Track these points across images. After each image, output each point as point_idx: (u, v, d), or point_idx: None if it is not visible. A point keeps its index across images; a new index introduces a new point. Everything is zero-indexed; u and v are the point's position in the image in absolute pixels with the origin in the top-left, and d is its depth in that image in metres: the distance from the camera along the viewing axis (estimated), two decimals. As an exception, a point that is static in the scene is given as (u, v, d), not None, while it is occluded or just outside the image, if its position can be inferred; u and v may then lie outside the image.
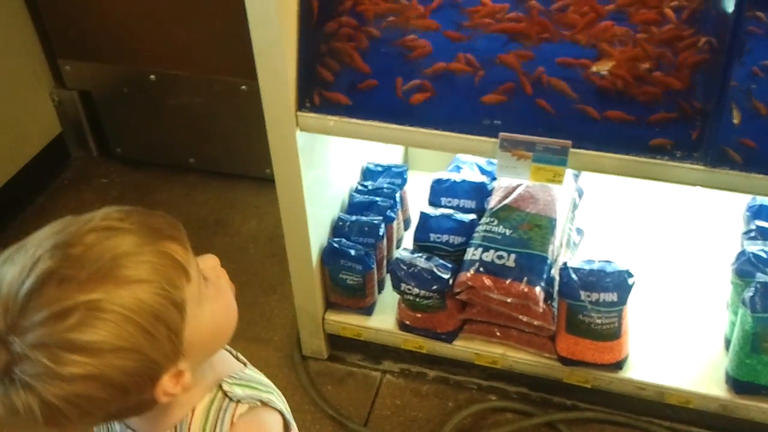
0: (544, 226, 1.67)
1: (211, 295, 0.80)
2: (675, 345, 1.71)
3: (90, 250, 0.70)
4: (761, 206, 1.74)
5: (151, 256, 0.72)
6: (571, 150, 1.32)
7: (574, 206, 1.85)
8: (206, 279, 0.80)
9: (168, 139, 2.50)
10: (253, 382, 0.88)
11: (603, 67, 1.31)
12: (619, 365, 1.65)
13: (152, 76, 2.33)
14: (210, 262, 0.84)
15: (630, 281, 1.58)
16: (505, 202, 1.72)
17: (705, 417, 1.68)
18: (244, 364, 0.92)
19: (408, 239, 1.97)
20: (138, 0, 2.19)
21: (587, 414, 1.77)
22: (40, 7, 2.32)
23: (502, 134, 1.34)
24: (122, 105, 2.45)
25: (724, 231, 1.91)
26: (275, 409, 0.87)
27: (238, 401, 0.83)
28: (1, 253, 0.73)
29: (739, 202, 1.83)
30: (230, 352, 0.94)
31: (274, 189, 1.63)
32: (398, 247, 1.95)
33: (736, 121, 1.26)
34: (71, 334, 0.67)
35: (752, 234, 1.68)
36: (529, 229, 1.66)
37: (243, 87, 2.26)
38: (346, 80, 1.43)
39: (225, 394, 0.84)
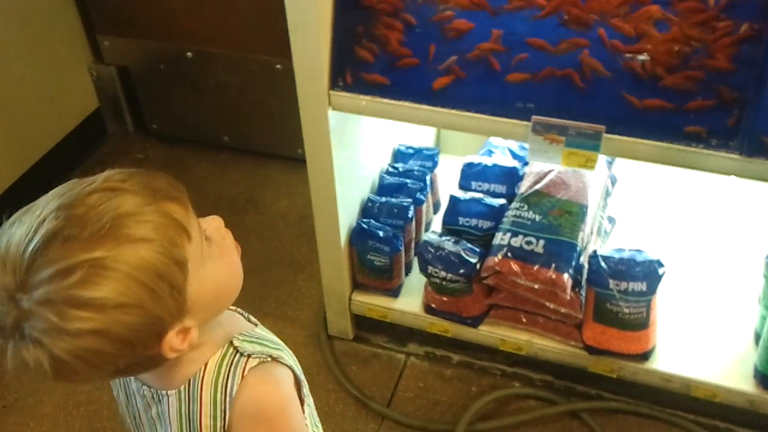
0: (575, 213, 1.65)
1: (215, 255, 0.81)
2: (703, 337, 1.69)
3: (92, 210, 0.71)
4: (798, 200, 1.70)
5: (152, 215, 0.73)
6: (605, 135, 1.30)
7: (607, 194, 1.83)
8: (209, 239, 0.82)
9: (203, 117, 2.53)
10: (264, 339, 0.89)
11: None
12: (645, 356, 1.64)
13: (189, 54, 2.36)
14: (214, 223, 0.86)
15: (660, 271, 1.56)
16: (536, 187, 1.71)
17: (731, 411, 1.65)
18: (255, 325, 0.94)
19: (437, 222, 1.96)
20: (176, -23, 2.21)
21: (611, 404, 1.75)
22: (81, -18, 2.35)
23: (534, 117, 1.33)
24: (159, 81, 2.48)
25: (759, 222, 1.88)
26: (285, 365, 0.88)
27: (249, 356, 0.85)
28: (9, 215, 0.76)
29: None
30: (241, 314, 0.97)
31: (305, 169, 1.64)
32: (427, 230, 1.95)
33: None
34: (76, 291, 0.69)
35: (787, 228, 1.65)
36: (559, 216, 1.64)
37: (278, 66, 2.27)
38: (383, 60, 1.43)
39: (236, 349, 0.86)
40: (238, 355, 0.85)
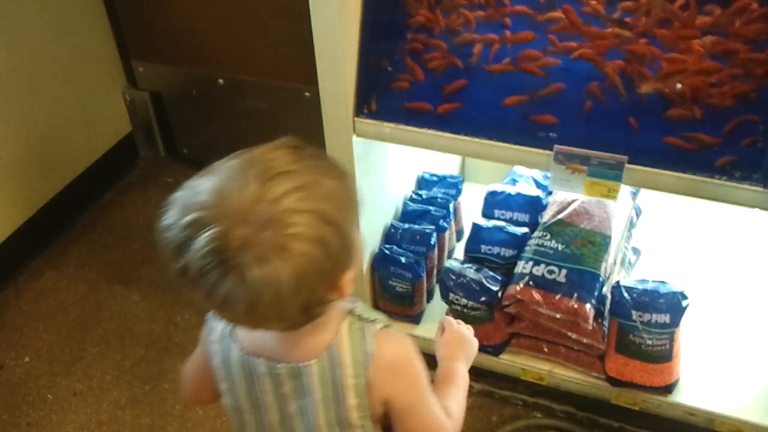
0: (598, 243, 1.65)
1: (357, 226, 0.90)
2: (727, 370, 1.66)
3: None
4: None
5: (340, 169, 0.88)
6: (627, 165, 1.31)
7: (631, 225, 1.82)
8: None
9: (232, 143, 2.51)
10: (373, 311, 0.98)
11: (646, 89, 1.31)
12: (668, 389, 1.62)
13: (220, 80, 2.40)
14: None
15: (684, 303, 1.55)
16: (559, 216, 1.71)
17: (757, 448, 1.63)
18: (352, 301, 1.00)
19: (460, 250, 1.97)
20: (209, 6, 2.26)
21: (635, 437, 1.73)
22: (118, 10, 2.42)
23: (556, 147, 1.34)
24: (190, 107, 2.53)
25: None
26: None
27: (372, 321, 0.95)
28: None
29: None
30: None
31: None
32: (450, 257, 1.96)
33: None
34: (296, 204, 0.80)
35: (815, 261, 1.63)
36: (582, 245, 1.64)
37: (306, 93, 2.31)
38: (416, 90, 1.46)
39: (358, 317, 0.95)
40: (362, 321, 0.94)
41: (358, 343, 0.93)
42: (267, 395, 0.98)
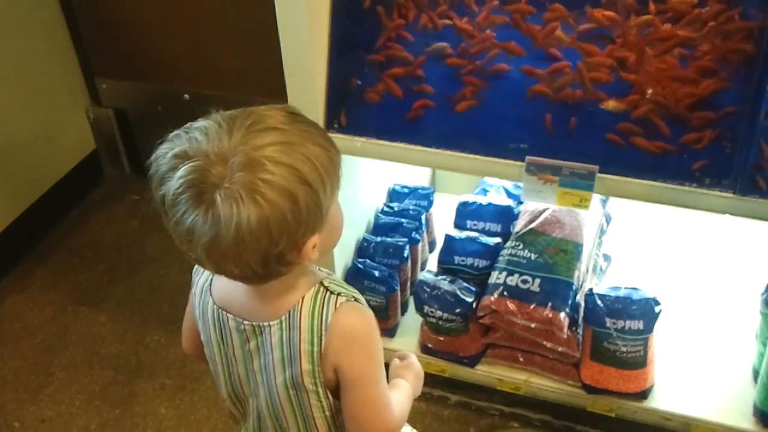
0: (570, 251, 1.66)
1: (336, 201, 0.95)
2: (701, 375, 1.68)
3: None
4: (792, 236, 1.71)
5: (327, 137, 0.92)
6: (598, 175, 1.31)
7: (602, 232, 1.83)
8: None
9: (199, 158, 2.53)
10: (344, 284, 1.01)
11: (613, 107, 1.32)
12: (644, 394, 1.63)
13: (186, 96, 2.38)
14: None
15: (657, 309, 1.56)
16: (531, 226, 1.71)
17: (732, 450, 1.64)
18: (329, 274, 1.03)
19: (433, 262, 1.97)
20: (174, 21, 2.24)
21: (611, 444, 1.74)
22: (80, 27, 2.38)
23: (528, 158, 1.34)
24: (156, 123, 2.50)
25: (753, 259, 1.88)
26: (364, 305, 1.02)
27: (338, 294, 0.98)
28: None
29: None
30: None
31: None
32: (423, 269, 1.95)
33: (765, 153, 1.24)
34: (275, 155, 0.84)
35: (783, 264, 1.65)
36: (554, 254, 1.65)
37: (274, 107, 2.29)
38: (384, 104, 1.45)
39: (326, 288, 0.98)
40: (328, 293, 0.98)
41: (318, 312, 0.96)
42: (235, 349, 1.03)
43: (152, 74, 2.39)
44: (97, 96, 2.50)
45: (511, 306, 1.60)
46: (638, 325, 1.55)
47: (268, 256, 0.86)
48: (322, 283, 0.99)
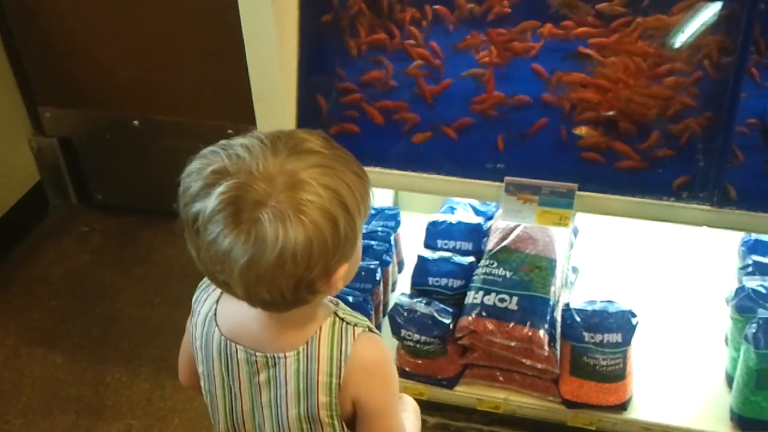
0: (545, 268, 1.66)
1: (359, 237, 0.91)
2: (677, 382, 1.69)
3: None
4: (756, 241, 1.75)
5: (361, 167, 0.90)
6: (578, 193, 1.31)
7: (570, 246, 1.84)
8: None
9: (151, 185, 2.45)
10: (355, 313, 1.00)
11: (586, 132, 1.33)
12: (623, 406, 1.64)
13: (136, 122, 2.30)
14: None
15: (633, 321, 1.57)
16: (504, 243, 1.70)
17: (710, 455, 1.66)
18: (336, 304, 1.01)
19: (402, 282, 1.94)
20: (122, 45, 2.17)
21: (592, 456, 1.74)
22: (21, 53, 2.28)
23: (507, 178, 1.33)
24: (104, 151, 2.41)
25: (716, 265, 1.92)
26: (377, 334, 1.01)
27: (355, 324, 0.96)
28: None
29: (733, 237, 1.84)
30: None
31: None
32: (393, 290, 1.93)
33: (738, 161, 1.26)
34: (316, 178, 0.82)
35: (749, 269, 1.69)
36: (529, 271, 1.64)
37: (229, 131, 2.23)
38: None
39: (342, 319, 0.96)
40: (344, 323, 0.96)
41: (337, 343, 0.94)
42: (242, 383, 0.99)
43: (99, 101, 2.30)
44: (41, 125, 2.40)
45: (490, 326, 1.58)
46: (616, 338, 1.56)
47: (302, 281, 0.84)
48: (336, 314, 0.97)
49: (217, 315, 0.99)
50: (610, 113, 1.31)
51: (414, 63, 1.40)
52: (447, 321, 1.62)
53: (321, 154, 0.84)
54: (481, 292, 1.63)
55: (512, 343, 1.58)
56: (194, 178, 0.83)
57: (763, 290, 1.60)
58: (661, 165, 1.30)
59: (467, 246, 1.80)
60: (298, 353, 0.94)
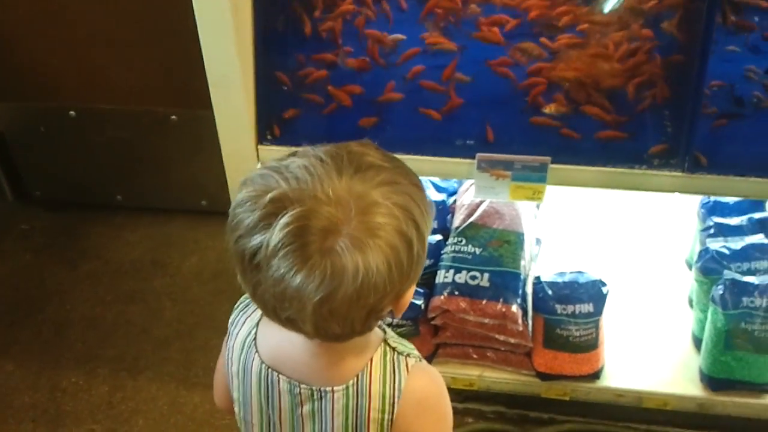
0: (513, 242, 1.64)
1: None
2: (645, 347, 1.71)
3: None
4: (716, 202, 1.77)
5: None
6: (551, 166, 1.29)
7: (534, 217, 1.83)
8: None
9: (93, 178, 2.35)
10: (405, 342, 0.94)
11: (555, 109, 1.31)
12: (596, 375, 1.64)
13: (72, 113, 2.19)
14: None
15: (604, 290, 1.58)
16: (471, 219, 1.68)
17: (682, 416, 1.68)
18: (384, 329, 0.96)
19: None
20: (52, 33, 2.05)
21: (566, 426, 1.75)
22: (-59, 46, 2.13)
23: (479, 155, 1.30)
24: (39, 145, 2.29)
25: (675, 228, 1.94)
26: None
27: (407, 355, 0.90)
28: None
29: (691, 199, 1.85)
30: None
31: (211, 221, 1.55)
32: (357, 273, 1.88)
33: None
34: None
35: (711, 231, 1.71)
36: (499, 246, 1.63)
37: (173, 117, 2.15)
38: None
39: (393, 349, 0.90)
40: (396, 353, 0.89)
41: (390, 376, 0.88)
42: (282, 413, 0.92)
43: (31, 92, 2.17)
44: (-32, 120, 2.26)
45: (463, 304, 1.56)
46: (588, 308, 1.56)
47: (374, 310, 0.78)
48: (387, 342, 0.90)
49: (257, 339, 0.91)
50: (570, 80, 1.29)
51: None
52: (419, 302, 1.60)
53: (385, 170, 0.77)
54: (451, 271, 1.60)
55: (486, 320, 1.56)
56: (248, 207, 0.74)
57: (727, 251, 1.62)
58: (633, 131, 1.29)
59: (433, 224, 1.76)
60: (347, 388, 0.87)
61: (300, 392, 0.89)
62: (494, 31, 1.29)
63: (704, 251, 1.65)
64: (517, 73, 1.31)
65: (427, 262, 1.67)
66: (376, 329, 0.91)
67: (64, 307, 2.12)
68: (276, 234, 0.72)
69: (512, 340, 1.60)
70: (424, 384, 0.90)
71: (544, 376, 1.65)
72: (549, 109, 1.31)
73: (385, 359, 0.88)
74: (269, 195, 0.73)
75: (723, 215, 1.73)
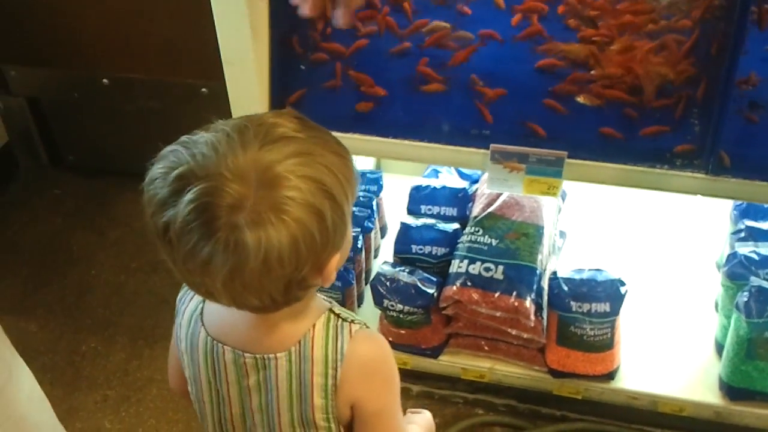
0: (531, 235, 1.60)
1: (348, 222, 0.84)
2: (665, 350, 1.66)
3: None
4: (749, 205, 1.69)
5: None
6: (567, 160, 1.25)
7: (558, 210, 1.78)
8: None
9: (124, 145, 2.36)
10: (350, 312, 0.93)
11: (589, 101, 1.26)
12: (611, 375, 1.60)
13: (105, 80, 2.20)
14: None
15: (622, 290, 1.53)
16: (490, 210, 1.64)
17: (698, 423, 1.63)
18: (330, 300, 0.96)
19: (385, 248, 1.88)
20: (88, 1, 2.05)
21: (578, 425, 1.71)
22: (-19, 10, 2.16)
23: (493, 146, 1.26)
24: (74, 111, 2.32)
25: (707, 229, 1.87)
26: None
27: (351, 321, 0.90)
28: None
29: (725, 201, 1.78)
30: None
31: None
32: (376, 256, 1.87)
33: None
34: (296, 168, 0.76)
35: (742, 234, 1.64)
36: (516, 239, 1.59)
37: (203, 90, 2.14)
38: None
39: (338, 315, 0.90)
40: (341, 320, 0.90)
41: (332, 341, 0.88)
42: (230, 386, 0.92)
43: (66, 59, 2.19)
44: (6, 84, 2.29)
45: (475, 295, 1.53)
46: (604, 307, 1.52)
47: (292, 281, 0.78)
48: (332, 310, 0.90)
49: (203, 314, 0.92)
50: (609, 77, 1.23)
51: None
52: (431, 291, 1.57)
53: (296, 140, 0.76)
54: (466, 261, 1.57)
55: (498, 313, 1.53)
56: (159, 184, 0.75)
57: (756, 257, 1.56)
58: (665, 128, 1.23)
59: (452, 212, 1.73)
60: (290, 353, 0.88)
61: (245, 362, 0.89)
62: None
63: (732, 255, 1.59)
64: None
65: (443, 250, 1.64)
66: (321, 299, 0.92)
67: (89, 273, 2.15)
68: (182, 210, 0.73)
69: (525, 335, 1.57)
70: (368, 348, 0.90)
71: (556, 374, 1.61)
72: (582, 99, 1.26)
73: (328, 325, 0.89)
74: (175, 171, 0.74)
75: (756, 219, 1.66)
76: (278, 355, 0.88)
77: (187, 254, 0.74)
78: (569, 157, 1.25)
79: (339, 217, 0.77)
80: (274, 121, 0.78)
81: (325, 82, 1.35)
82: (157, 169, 0.76)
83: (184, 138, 0.78)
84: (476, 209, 1.68)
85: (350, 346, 0.88)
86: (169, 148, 0.78)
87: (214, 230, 0.72)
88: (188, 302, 0.94)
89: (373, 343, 0.91)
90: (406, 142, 1.32)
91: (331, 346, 0.88)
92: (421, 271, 1.60)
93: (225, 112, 2.14)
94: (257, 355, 0.88)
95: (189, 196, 0.72)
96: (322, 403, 0.89)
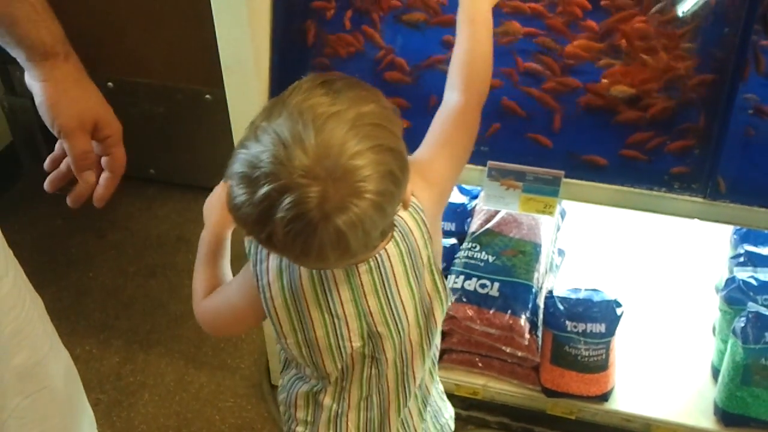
0: (528, 252, 1.59)
1: None
2: (660, 373, 1.64)
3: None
4: (749, 230, 1.68)
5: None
6: (564, 180, 1.24)
7: (557, 228, 1.77)
8: None
9: (127, 149, 2.34)
10: None
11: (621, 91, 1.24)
12: (605, 397, 1.59)
13: (110, 84, 2.20)
14: None
15: (618, 311, 1.52)
16: (488, 226, 1.64)
17: (692, 448, 1.62)
18: None
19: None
20: (94, 3, 2.06)
21: (571, 445, 1.70)
22: (-12, 9, 2.17)
23: (490, 162, 1.25)
24: (78, 113, 2.32)
25: (706, 252, 1.85)
26: None
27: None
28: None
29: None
30: None
31: None
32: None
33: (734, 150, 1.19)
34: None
35: (741, 259, 1.63)
36: (512, 256, 1.58)
37: (207, 96, 2.15)
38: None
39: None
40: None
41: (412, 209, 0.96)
42: (344, 305, 0.95)
43: (72, 61, 2.20)
44: (12, 85, 2.30)
45: (470, 312, 1.53)
46: (600, 328, 1.51)
47: (387, 226, 0.89)
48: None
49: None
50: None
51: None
52: (425, 305, 1.56)
53: (337, 115, 0.79)
54: (462, 277, 1.56)
55: (492, 331, 1.52)
56: (247, 210, 0.80)
57: (755, 282, 1.54)
58: (653, 155, 1.23)
59: (450, 226, 1.73)
60: (393, 236, 0.93)
61: (358, 270, 0.93)
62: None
63: (731, 280, 1.58)
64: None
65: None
66: None
67: (87, 275, 2.15)
68: (279, 225, 0.78)
69: (519, 353, 1.56)
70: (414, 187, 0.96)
71: (550, 393, 1.60)
72: (615, 89, 1.24)
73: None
74: (258, 195, 0.79)
75: (756, 244, 1.65)
76: (384, 246, 0.93)
77: (300, 253, 0.82)
78: (566, 176, 1.24)
79: (401, 160, 0.83)
80: (309, 104, 0.80)
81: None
82: (239, 195, 0.80)
83: (243, 155, 0.80)
84: (474, 225, 1.67)
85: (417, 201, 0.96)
86: (234, 167, 0.81)
87: (314, 229, 0.78)
88: (267, 261, 0.97)
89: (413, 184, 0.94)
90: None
91: (412, 209, 0.95)
92: (416, 286, 1.59)
93: (228, 119, 2.14)
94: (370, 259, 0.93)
95: (280, 213, 0.78)
96: (426, 253, 0.96)
